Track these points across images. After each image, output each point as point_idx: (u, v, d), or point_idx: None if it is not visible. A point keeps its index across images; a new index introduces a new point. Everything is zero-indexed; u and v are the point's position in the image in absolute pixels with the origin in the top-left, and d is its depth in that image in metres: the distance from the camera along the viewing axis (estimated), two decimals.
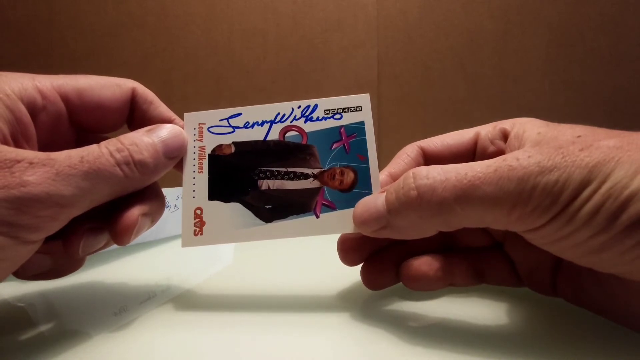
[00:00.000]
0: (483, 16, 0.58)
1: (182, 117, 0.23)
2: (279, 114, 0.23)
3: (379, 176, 0.21)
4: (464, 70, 0.59)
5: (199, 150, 0.22)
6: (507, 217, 0.16)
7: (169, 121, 0.23)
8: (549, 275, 0.20)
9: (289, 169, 0.22)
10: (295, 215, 0.21)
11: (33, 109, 0.19)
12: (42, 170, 0.16)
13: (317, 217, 0.21)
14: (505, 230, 0.22)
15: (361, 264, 0.23)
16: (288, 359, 0.17)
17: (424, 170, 0.18)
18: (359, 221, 0.20)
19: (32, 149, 0.19)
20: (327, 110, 0.22)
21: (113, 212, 0.20)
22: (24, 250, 0.17)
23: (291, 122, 0.22)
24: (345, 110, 0.22)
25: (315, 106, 0.23)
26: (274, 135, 0.22)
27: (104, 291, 0.25)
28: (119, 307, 0.22)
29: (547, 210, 0.15)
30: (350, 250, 0.22)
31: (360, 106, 0.22)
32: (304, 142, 0.22)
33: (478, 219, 0.17)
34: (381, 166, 0.22)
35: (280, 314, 0.21)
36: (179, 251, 0.34)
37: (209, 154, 0.22)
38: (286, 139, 0.22)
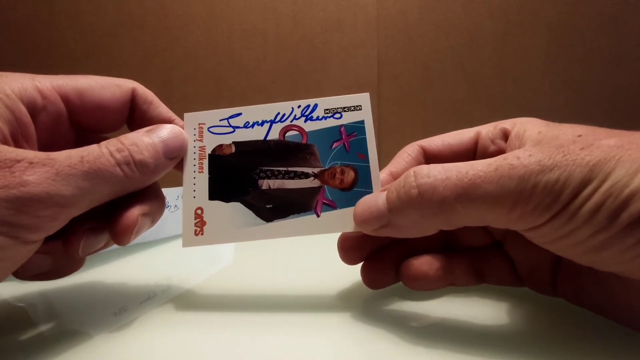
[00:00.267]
0: (483, 16, 0.58)
1: (182, 117, 0.23)
2: (279, 113, 0.23)
3: (379, 175, 0.22)
4: (464, 70, 0.59)
5: (199, 150, 0.22)
6: (508, 215, 0.16)
7: (169, 121, 0.22)
8: (549, 274, 0.20)
9: (290, 168, 0.22)
10: (296, 215, 0.21)
11: (33, 109, 0.19)
12: (42, 170, 0.16)
13: (318, 216, 0.21)
14: (505, 229, 0.22)
15: (361, 263, 0.23)
16: (288, 359, 0.17)
17: (425, 168, 0.18)
18: (359, 220, 0.20)
19: (32, 149, 0.19)
20: (327, 109, 0.23)
21: (113, 212, 0.20)
22: (24, 250, 0.17)
23: (291, 121, 0.23)
24: (345, 109, 0.23)
25: (315, 106, 0.23)
26: (274, 134, 0.22)
27: (104, 291, 0.25)
28: (119, 307, 0.22)
29: (547, 209, 0.15)
30: (350, 249, 0.22)
31: (360, 105, 0.23)
32: (304, 141, 0.22)
33: (479, 218, 0.17)
34: (381, 166, 0.22)
35: (280, 314, 0.21)
36: (179, 251, 0.34)
37: (209, 154, 0.22)
38: (286, 139, 0.22)
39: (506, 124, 0.21)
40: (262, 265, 0.30)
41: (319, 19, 0.58)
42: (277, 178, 0.22)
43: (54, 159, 0.17)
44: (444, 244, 0.23)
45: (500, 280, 0.22)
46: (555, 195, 0.15)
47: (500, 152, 0.20)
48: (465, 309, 0.21)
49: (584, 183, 0.15)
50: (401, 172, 0.22)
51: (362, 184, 0.21)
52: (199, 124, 0.23)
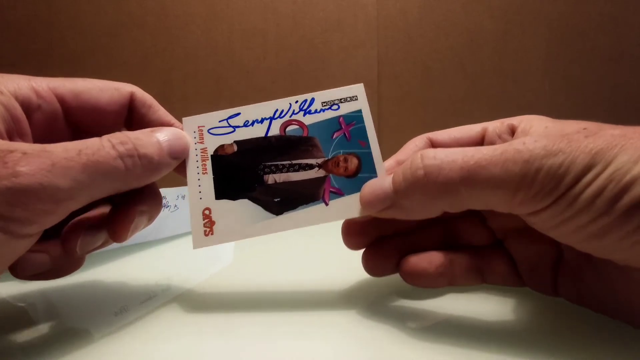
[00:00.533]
0: (483, 16, 0.58)
1: (181, 120, 0.23)
2: (277, 110, 0.23)
3: (381, 159, 0.22)
4: (464, 70, 0.59)
5: (201, 152, 0.22)
6: (511, 199, 0.16)
7: (168, 125, 0.22)
8: (550, 271, 0.20)
9: (294, 161, 0.22)
10: (304, 205, 0.21)
11: (28, 107, 0.19)
12: (37, 161, 0.15)
13: (327, 204, 0.21)
14: (506, 227, 0.22)
15: (362, 252, 0.23)
16: (288, 359, 0.17)
17: (431, 151, 0.18)
18: (365, 201, 0.20)
19: None
20: (324, 102, 0.23)
21: (110, 210, 0.20)
22: (18, 245, 0.16)
23: (290, 116, 0.23)
24: (342, 100, 0.23)
25: (312, 100, 0.23)
26: (274, 131, 0.23)
27: (104, 291, 0.25)
28: (120, 307, 0.22)
29: (550, 193, 0.16)
30: (354, 233, 0.23)
31: (356, 95, 0.23)
32: (304, 134, 0.23)
33: (483, 201, 0.17)
34: (384, 157, 0.22)
35: (281, 314, 0.21)
36: (179, 251, 0.34)
37: (211, 155, 0.22)
38: (287, 133, 0.23)
39: (513, 120, 0.21)
40: (262, 265, 0.30)
41: (319, 19, 0.58)
42: (282, 172, 0.22)
43: (50, 150, 0.16)
44: (445, 242, 0.23)
45: (501, 280, 0.22)
46: (558, 180, 0.15)
47: None
48: (468, 309, 0.21)
49: (587, 168, 0.15)
50: None
51: (366, 169, 0.22)
52: (199, 126, 0.23)
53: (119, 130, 0.23)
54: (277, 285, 0.25)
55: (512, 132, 0.21)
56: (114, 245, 0.24)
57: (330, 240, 0.31)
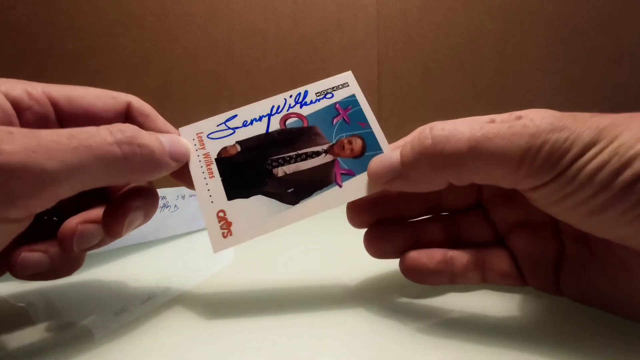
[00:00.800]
0: (483, 16, 0.58)
1: (180, 126, 0.23)
2: (273, 106, 0.23)
3: (384, 136, 0.22)
4: (464, 70, 0.59)
5: (204, 158, 0.22)
6: (516, 172, 0.17)
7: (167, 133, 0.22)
8: (552, 267, 0.20)
9: (299, 152, 0.22)
10: (319, 191, 0.22)
11: (18, 107, 0.19)
12: (22, 140, 0.14)
13: (340, 186, 0.22)
14: (507, 224, 0.22)
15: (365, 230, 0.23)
16: (289, 358, 0.17)
17: (440, 123, 0.18)
18: (372, 172, 0.21)
19: None
20: (317, 92, 0.24)
21: (106, 206, 0.20)
22: (2, 229, 0.16)
23: (287, 110, 0.23)
24: (334, 88, 0.24)
25: (306, 92, 0.24)
26: (274, 126, 0.23)
27: (104, 291, 0.25)
28: (120, 307, 0.22)
29: (553, 166, 0.16)
30: (358, 210, 0.23)
31: (347, 82, 0.24)
32: (305, 125, 0.23)
33: (487, 174, 0.17)
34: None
35: (281, 314, 0.21)
36: (179, 251, 0.34)
37: (215, 159, 0.22)
38: (287, 127, 0.23)
39: (521, 113, 0.21)
40: (262, 265, 0.30)
41: (319, 18, 0.58)
42: (290, 163, 0.22)
43: (39, 132, 0.15)
44: (448, 236, 0.23)
45: (502, 278, 0.22)
46: (562, 153, 0.16)
47: None
48: (469, 309, 0.21)
49: (591, 143, 0.15)
50: None
51: (371, 148, 0.22)
52: (197, 134, 0.23)
53: None
54: (277, 285, 0.25)
55: None
56: (115, 244, 0.24)
57: (330, 240, 0.31)
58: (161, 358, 0.18)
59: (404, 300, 0.22)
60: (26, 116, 0.19)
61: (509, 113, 0.22)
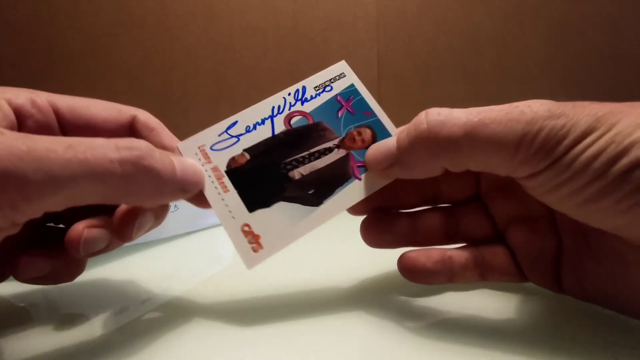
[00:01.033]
0: (483, 16, 0.58)
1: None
2: (274, 107, 0.23)
3: (390, 121, 0.22)
4: (464, 69, 0.59)
5: (213, 172, 0.21)
6: (512, 158, 0.16)
7: (171, 149, 0.21)
8: (551, 262, 0.20)
9: (311, 150, 0.22)
10: (340, 187, 0.21)
11: (20, 113, 0.19)
12: (11, 144, 0.13)
13: (359, 179, 0.21)
14: (508, 219, 0.22)
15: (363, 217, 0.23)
16: (288, 358, 0.17)
17: (436, 109, 0.18)
18: (369, 159, 0.21)
19: None
20: (316, 87, 0.23)
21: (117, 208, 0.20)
22: None
23: (289, 109, 0.23)
24: (332, 80, 0.23)
25: (304, 88, 0.23)
26: (279, 127, 0.22)
27: (104, 291, 0.25)
28: (120, 307, 0.23)
29: (549, 153, 0.16)
30: None
31: (343, 72, 0.24)
32: (310, 122, 0.23)
33: (483, 160, 0.17)
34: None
35: (281, 314, 0.21)
36: (179, 251, 0.34)
37: (225, 171, 0.21)
38: (293, 126, 0.22)
39: (521, 102, 0.21)
40: (262, 265, 0.30)
41: (318, 18, 0.58)
42: (304, 164, 0.22)
43: (33, 137, 0.14)
44: (446, 230, 0.23)
45: (501, 276, 0.21)
46: (558, 140, 0.15)
47: None
48: (469, 308, 0.21)
49: (589, 131, 0.15)
50: None
51: (380, 135, 0.22)
52: (199, 147, 0.21)
53: None
54: (277, 284, 0.25)
55: None
56: (117, 248, 0.24)
57: (329, 241, 0.31)
58: (161, 357, 0.18)
59: (403, 300, 0.22)
60: (28, 124, 0.19)
61: (509, 104, 0.22)
